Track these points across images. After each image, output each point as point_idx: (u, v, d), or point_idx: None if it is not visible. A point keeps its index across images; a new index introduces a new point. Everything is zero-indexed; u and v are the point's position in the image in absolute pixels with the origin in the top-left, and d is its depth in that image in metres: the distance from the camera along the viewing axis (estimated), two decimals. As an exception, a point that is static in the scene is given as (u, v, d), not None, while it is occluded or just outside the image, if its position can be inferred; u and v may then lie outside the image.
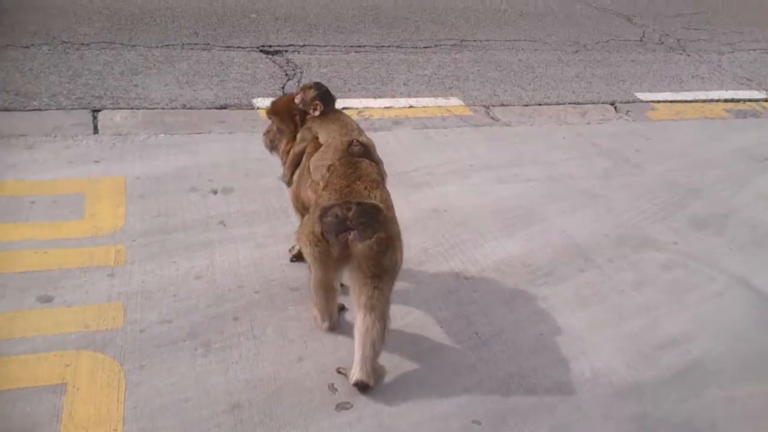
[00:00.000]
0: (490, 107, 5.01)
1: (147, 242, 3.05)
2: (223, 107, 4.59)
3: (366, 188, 2.35)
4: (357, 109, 4.72)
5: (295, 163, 2.76)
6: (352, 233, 2.22)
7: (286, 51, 5.70)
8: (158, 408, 2.20)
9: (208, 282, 2.83)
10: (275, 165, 3.78)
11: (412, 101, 4.98)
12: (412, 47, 6.13)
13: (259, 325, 2.60)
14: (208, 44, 5.64)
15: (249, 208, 3.39)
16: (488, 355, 2.60)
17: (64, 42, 5.26)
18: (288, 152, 2.81)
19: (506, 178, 3.97)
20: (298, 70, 5.32)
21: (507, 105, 5.12)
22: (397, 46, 6.09)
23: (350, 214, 2.23)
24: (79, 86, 4.59)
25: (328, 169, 2.47)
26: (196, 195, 3.47)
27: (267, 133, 2.96)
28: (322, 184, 2.44)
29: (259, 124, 4.33)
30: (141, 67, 5.01)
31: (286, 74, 5.23)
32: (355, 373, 2.28)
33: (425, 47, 6.17)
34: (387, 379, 2.43)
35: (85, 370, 2.31)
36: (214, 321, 2.61)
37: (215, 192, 3.52)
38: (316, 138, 2.68)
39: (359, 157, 2.50)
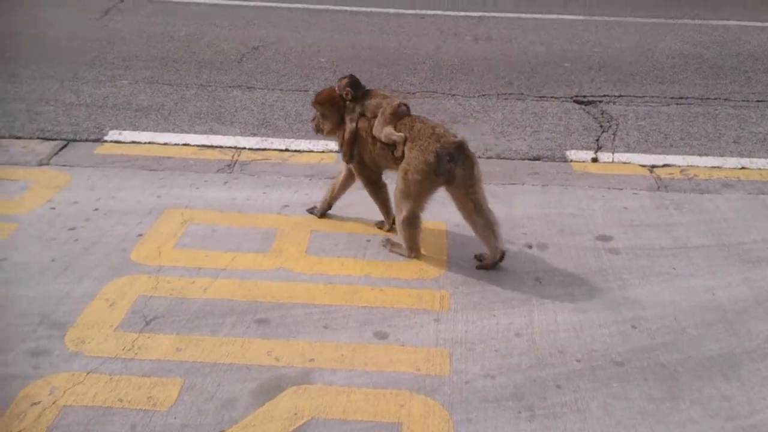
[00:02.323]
0: (844, 174, 4.36)
1: (467, 291, 3.16)
2: (536, 158, 4.63)
3: (443, 130, 3.20)
4: (679, 167, 4.44)
5: (352, 141, 3.41)
6: (455, 165, 3.11)
7: (601, 102, 5.58)
8: (484, 466, 2.25)
9: (528, 341, 2.84)
10: (591, 222, 3.72)
11: (745, 161, 4.54)
12: (743, 101, 5.60)
13: (583, 398, 2.53)
14: (522, 94, 5.75)
15: (565, 267, 3.35)
16: None
17: (393, 91, 5.75)
18: (334, 132, 3.49)
19: None
20: (614, 122, 5.17)
21: None
22: (725, 99, 5.62)
23: (453, 150, 3.11)
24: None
25: (396, 127, 3.24)
26: (511, 248, 3.51)
27: (313, 119, 3.58)
28: (403, 140, 3.19)
29: (572, 177, 4.29)
30: (459, 116, 5.28)
31: (601, 126, 5.12)
32: (500, 246, 3.27)
33: (758, 101, 5.60)
34: None
35: (417, 414, 2.45)
36: (536, 385, 2.60)
37: (530, 246, 3.54)
38: (363, 115, 3.38)
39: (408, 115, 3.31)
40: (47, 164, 4.24)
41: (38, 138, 4.62)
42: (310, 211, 3.76)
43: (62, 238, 3.45)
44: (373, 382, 2.60)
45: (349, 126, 3.39)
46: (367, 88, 3.48)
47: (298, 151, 4.58)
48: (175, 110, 5.20)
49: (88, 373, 2.60)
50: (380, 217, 3.69)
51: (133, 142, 4.61)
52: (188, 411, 2.46)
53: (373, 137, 3.32)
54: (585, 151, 4.71)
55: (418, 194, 3.18)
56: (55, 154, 4.38)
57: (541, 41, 7.19)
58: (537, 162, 4.57)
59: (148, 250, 3.38)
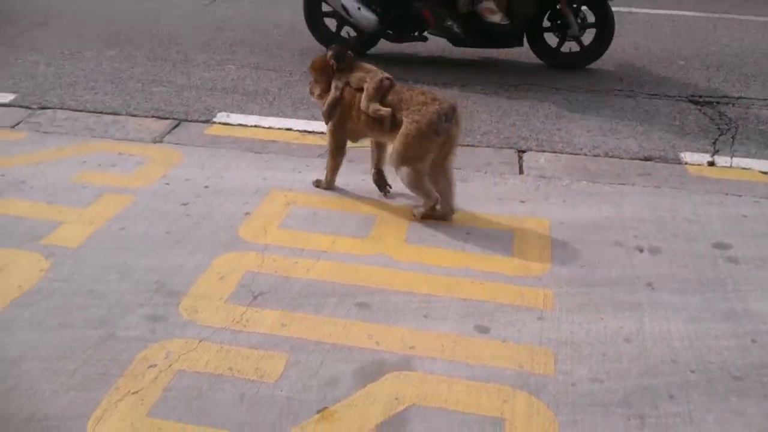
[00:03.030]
0: None
1: (573, 291, 3.10)
2: (648, 159, 4.48)
3: (433, 94, 3.51)
4: (802, 177, 4.19)
5: (333, 104, 3.66)
6: (451, 124, 3.43)
7: (718, 103, 5.34)
8: (590, 469, 2.21)
9: (638, 348, 2.76)
10: (708, 228, 3.58)
11: None
12: None
13: (697, 409, 2.44)
14: (633, 91, 5.58)
15: (679, 274, 3.23)
16: None
17: (495, 83, 5.71)
18: (321, 97, 3.73)
19: None
20: (733, 125, 4.94)
21: None
22: None
23: (449, 110, 3.42)
24: (507, 126, 4.92)
25: (383, 101, 3.52)
26: (621, 250, 3.42)
27: (310, 83, 3.81)
28: (390, 114, 3.47)
29: (687, 181, 4.13)
30: (565, 112, 5.18)
31: (719, 128, 4.90)
32: (453, 206, 3.64)
33: None
34: None
35: (521, 411, 2.42)
36: (646, 393, 2.52)
37: (641, 250, 3.43)
38: (348, 85, 3.63)
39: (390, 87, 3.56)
40: (160, 142, 4.45)
41: (152, 117, 4.85)
42: (317, 184, 3.92)
43: (176, 213, 3.61)
44: (474, 375, 2.59)
45: (333, 92, 3.65)
46: (357, 61, 3.71)
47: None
48: (279, 96, 5.34)
49: (200, 341, 2.72)
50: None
51: (240, 125, 4.77)
52: (293, 385, 2.53)
53: (358, 108, 3.57)
54: (700, 154, 4.52)
55: (421, 155, 3.45)
56: (168, 132, 4.59)
57: (654, 37, 6.94)
58: (648, 162, 4.43)
59: (255, 228, 3.50)
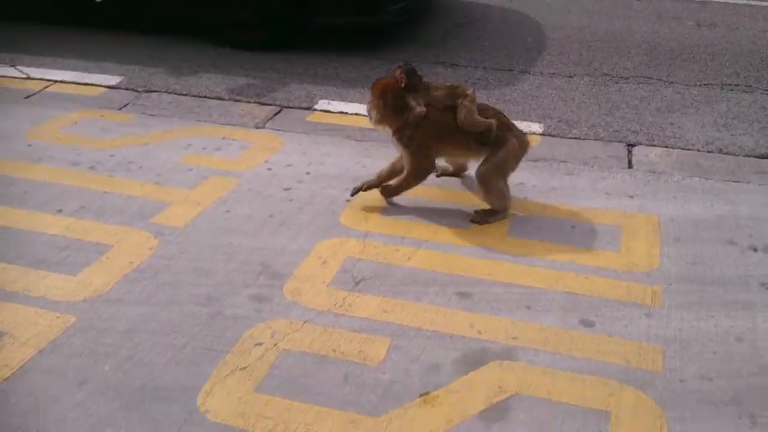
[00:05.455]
0: None
1: (683, 289, 3.12)
2: (764, 157, 4.39)
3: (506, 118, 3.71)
4: None
5: (416, 125, 3.54)
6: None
7: None
8: (701, 467, 2.26)
9: (751, 348, 2.76)
10: None
11: None
12: None
13: (815, 412, 2.44)
14: (750, 86, 5.45)
15: (797, 276, 3.19)
16: None
17: (604, 74, 5.69)
18: (381, 122, 3.61)
19: None
20: None
21: None
22: None
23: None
24: (616, 119, 4.91)
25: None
26: (734, 249, 3.40)
27: (368, 106, 3.66)
28: (495, 126, 3.54)
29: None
30: (677, 105, 5.12)
31: None
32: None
33: None
34: None
35: (627, 405, 2.49)
36: (758, 392, 2.54)
37: (755, 249, 3.40)
38: (430, 105, 3.57)
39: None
40: (263, 127, 4.70)
41: (255, 102, 5.12)
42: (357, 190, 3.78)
43: (278, 197, 3.84)
44: (579, 367, 2.67)
45: (418, 109, 3.54)
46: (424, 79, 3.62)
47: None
48: (380, 83, 5.50)
49: (304, 323, 2.91)
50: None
51: (341, 113, 4.96)
52: (396, 369, 2.68)
53: (448, 126, 3.54)
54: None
55: (510, 172, 3.67)
56: (270, 118, 4.84)
57: (775, 30, 6.72)
58: (765, 160, 4.34)
59: (356, 215, 3.67)
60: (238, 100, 5.15)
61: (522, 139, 3.67)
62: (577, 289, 3.12)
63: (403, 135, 3.57)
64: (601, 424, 2.42)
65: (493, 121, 3.54)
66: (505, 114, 3.72)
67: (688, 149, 4.50)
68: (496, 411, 2.48)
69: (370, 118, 3.66)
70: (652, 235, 3.53)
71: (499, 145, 3.56)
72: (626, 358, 2.71)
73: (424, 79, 3.63)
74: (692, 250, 3.40)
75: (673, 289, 3.12)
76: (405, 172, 3.69)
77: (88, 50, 6.04)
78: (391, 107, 3.55)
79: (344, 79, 5.59)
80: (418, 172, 3.68)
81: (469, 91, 3.59)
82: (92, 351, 2.76)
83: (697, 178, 4.09)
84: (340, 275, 3.20)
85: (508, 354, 2.75)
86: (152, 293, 3.09)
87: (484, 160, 3.60)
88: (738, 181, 4.05)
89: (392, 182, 3.76)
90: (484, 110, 3.61)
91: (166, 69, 5.72)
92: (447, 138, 3.60)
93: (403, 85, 3.53)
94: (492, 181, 3.60)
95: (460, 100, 3.54)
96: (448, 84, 3.68)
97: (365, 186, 3.77)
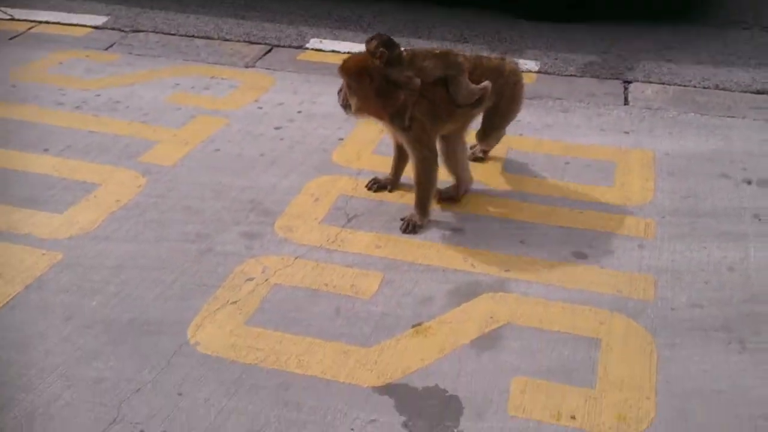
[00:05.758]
0: None
1: (676, 221, 3.13)
2: (760, 92, 4.36)
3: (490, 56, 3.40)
4: None
5: (412, 104, 2.93)
6: None
7: None
8: (689, 390, 2.29)
9: (742, 276, 2.79)
10: None
11: None
12: None
13: (803, 337, 2.47)
14: (748, 23, 5.39)
15: (792, 208, 3.20)
16: None
17: (599, 13, 5.58)
18: (362, 109, 2.97)
19: None
20: None
21: None
22: None
23: None
24: (612, 56, 4.85)
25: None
26: (728, 182, 3.40)
27: (340, 91, 3.04)
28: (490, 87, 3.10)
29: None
30: (675, 43, 5.05)
31: None
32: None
33: None
34: None
35: (618, 333, 2.51)
36: (749, 319, 2.57)
37: (749, 182, 3.41)
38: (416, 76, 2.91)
39: None
40: (253, 66, 4.63)
41: (245, 42, 5.03)
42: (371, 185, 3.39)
43: (269, 135, 3.80)
44: (570, 298, 2.69)
45: (414, 81, 2.92)
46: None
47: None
48: (374, 23, 5.40)
49: (296, 258, 2.91)
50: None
51: (333, 51, 4.88)
52: (388, 301, 2.69)
53: (446, 98, 3.02)
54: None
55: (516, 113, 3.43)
56: (260, 57, 4.77)
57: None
58: (760, 96, 4.32)
59: (348, 153, 3.65)
60: (227, 39, 5.07)
61: (520, 74, 3.32)
62: (571, 223, 3.13)
63: (403, 118, 2.96)
64: (592, 350, 2.44)
65: (487, 83, 3.07)
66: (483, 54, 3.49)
67: (685, 86, 4.46)
68: (488, 339, 2.51)
69: (346, 107, 3.01)
70: (646, 169, 3.52)
71: (499, 95, 3.20)
72: (618, 288, 2.72)
73: (406, 48, 3.04)
74: (686, 183, 3.40)
75: (667, 221, 3.12)
76: (414, 174, 3.13)
77: (72, -10, 5.91)
78: (374, 90, 2.90)
79: (337, 18, 5.49)
80: (427, 160, 3.08)
81: (461, 59, 3.07)
82: (79, 287, 2.76)
83: (693, 114, 4.07)
84: (333, 212, 3.19)
85: (501, 286, 2.76)
86: (140, 231, 3.08)
87: (488, 115, 3.28)
88: (733, 117, 4.04)
89: (415, 198, 3.16)
90: (472, 63, 3.14)
91: (153, 8, 5.61)
92: (444, 115, 3.07)
93: (383, 60, 2.90)
94: (499, 131, 3.47)
95: (453, 75, 3.02)
96: (436, 51, 3.11)
97: (388, 185, 3.38)
